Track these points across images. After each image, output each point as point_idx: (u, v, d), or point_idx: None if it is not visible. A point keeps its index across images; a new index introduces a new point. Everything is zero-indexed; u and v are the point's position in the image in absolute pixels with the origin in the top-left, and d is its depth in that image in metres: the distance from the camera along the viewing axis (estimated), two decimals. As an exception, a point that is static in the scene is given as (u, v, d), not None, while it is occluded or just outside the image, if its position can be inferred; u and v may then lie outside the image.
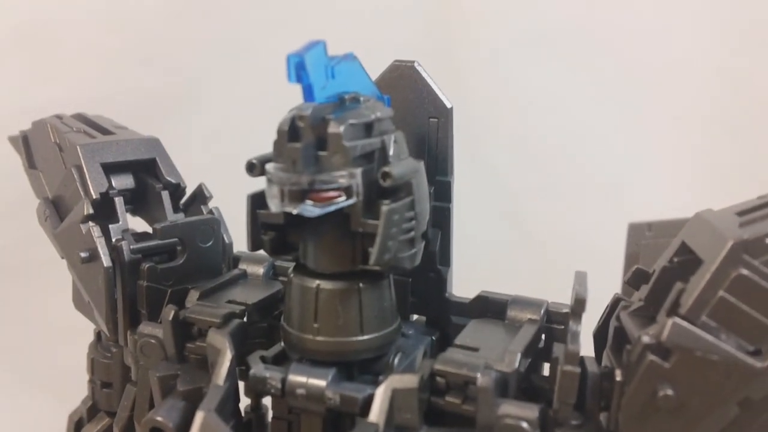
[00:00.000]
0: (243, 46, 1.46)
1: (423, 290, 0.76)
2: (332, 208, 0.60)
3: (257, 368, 0.65)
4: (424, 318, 0.78)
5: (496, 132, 1.47)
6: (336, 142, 0.59)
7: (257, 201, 0.64)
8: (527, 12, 1.46)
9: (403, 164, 0.62)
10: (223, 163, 1.39)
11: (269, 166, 0.61)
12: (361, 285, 0.64)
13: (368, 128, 0.62)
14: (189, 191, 0.83)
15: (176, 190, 0.81)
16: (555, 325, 0.72)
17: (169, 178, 0.80)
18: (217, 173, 1.28)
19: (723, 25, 1.40)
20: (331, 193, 0.60)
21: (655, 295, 0.65)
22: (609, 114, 1.47)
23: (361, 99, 0.64)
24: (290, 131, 0.60)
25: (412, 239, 0.63)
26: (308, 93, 0.60)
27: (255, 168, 0.62)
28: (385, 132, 0.63)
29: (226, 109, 1.46)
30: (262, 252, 0.76)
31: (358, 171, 0.60)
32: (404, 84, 0.73)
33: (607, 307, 0.71)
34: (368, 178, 0.61)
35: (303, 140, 0.59)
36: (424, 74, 0.73)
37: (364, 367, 0.66)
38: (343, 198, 0.60)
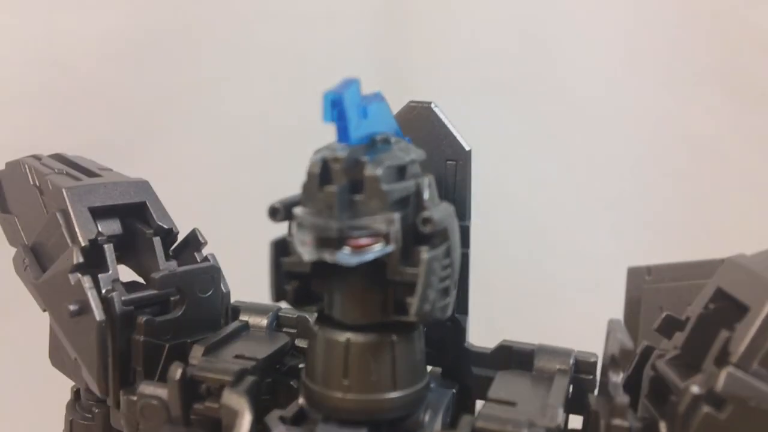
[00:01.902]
0: (194, 81, 1.41)
1: (439, 340, 0.72)
2: (371, 256, 0.56)
3: (279, 430, 0.60)
4: (439, 369, 0.74)
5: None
6: (374, 186, 0.55)
7: (280, 248, 0.59)
8: (469, 62, 1.45)
9: (440, 209, 0.59)
10: (186, 206, 1.35)
11: (298, 211, 0.57)
12: (394, 337, 0.60)
13: (402, 171, 0.58)
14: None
15: (168, 235, 0.76)
16: (583, 375, 0.69)
17: (160, 223, 0.75)
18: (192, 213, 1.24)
19: (661, 72, 1.42)
20: (369, 240, 0.56)
21: (694, 342, 0.63)
22: (549, 160, 1.47)
23: (392, 140, 0.61)
24: (322, 174, 0.56)
25: (447, 288, 0.60)
26: (343, 133, 0.56)
27: (278, 213, 0.57)
28: (417, 175, 0.60)
29: (181, 153, 1.40)
30: (263, 302, 0.72)
31: (397, 216, 0.56)
32: (420, 125, 0.70)
33: (636, 356, 0.69)
34: (404, 224, 0.57)
35: (337, 183, 0.55)
36: (441, 115, 0.70)
37: (393, 426, 0.62)
38: (381, 245, 0.56)
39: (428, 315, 0.57)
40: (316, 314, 0.63)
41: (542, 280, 1.46)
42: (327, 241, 0.55)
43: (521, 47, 1.44)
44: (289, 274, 0.59)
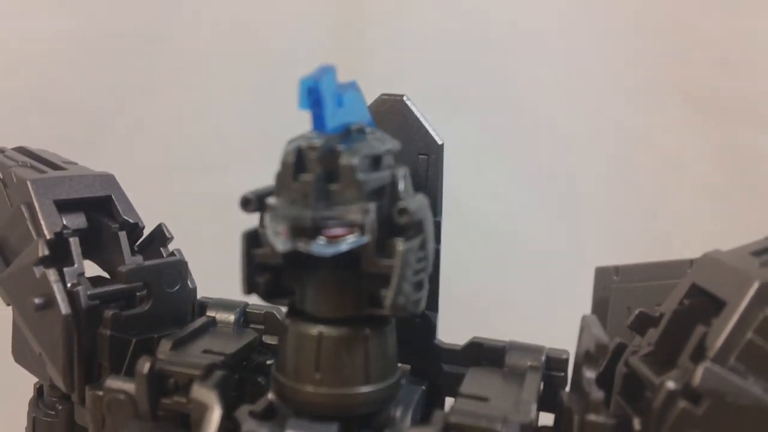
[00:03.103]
0: (154, 88, 1.40)
1: (409, 337, 0.71)
2: (346, 246, 0.55)
3: (249, 425, 0.59)
4: (408, 366, 0.73)
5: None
6: (349, 175, 0.55)
7: (252, 240, 0.58)
8: (440, 70, 1.45)
9: (415, 200, 0.58)
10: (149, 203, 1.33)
11: (272, 201, 0.56)
12: (367, 331, 0.59)
13: (377, 161, 0.58)
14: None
15: (133, 230, 0.74)
16: (554, 372, 0.68)
17: (126, 217, 0.74)
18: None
19: (621, 83, 1.43)
20: (344, 230, 0.55)
21: (669, 338, 0.63)
22: (521, 170, 1.48)
23: (367, 130, 0.60)
24: (297, 163, 0.55)
25: (421, 281, 0.59)
26: (319, 121, 0.55)
27: (251, 203, 0.56)
28: (392, 165, 0.59)
29: (143, 158, 1.38)
30: (230, 298, 0.71)
31: (372, 206, 0.55)
32: (393, 118, 0.70)
33: (609, 353, 0.68)
34: (379, 215, 0.56)
35: (312, 172, 0.55)
36: (413, 108, 0.70)
37: (364, 421, 0.61)
38: (357, 235, 0.55)
39: (403, 308, 0.56)
40: (287, 307, 0.62)
41: (506, 298, 1.47)
42: (301, 231, 0.54)
43: (479, 57, 1.44)
44: (261, 266, 0.58)
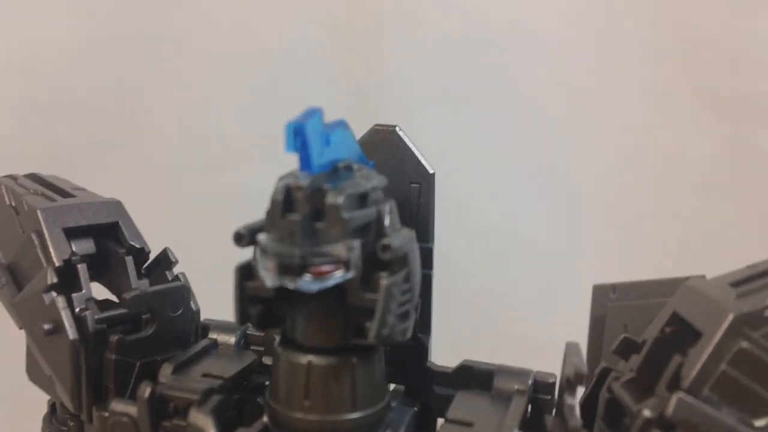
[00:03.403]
0: (155, 89, 1.42)
1: (402, 359, 0.74)
2: (331, 282, 0.57)
3: (243, 449, 0.62)
4: (402, 387, 0.75)
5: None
6: (335, 214, 0.57)
7: (245, 273, 0.61)
8: (441, 70, 1.47)
9: (400, 235, 0.60)
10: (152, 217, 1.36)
11: (262, 238, 0.58)
12: (354, 360, 0.61)
13: (363, 198, 0.60)
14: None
15: (140, 254, 0.77)
16: (541, 395, 0.70)
17: (132, 243, 0.77)
18: (157, 227, 1.25)
19: (629, 83, 1.43)
20: (329, 267, 0.57)
21: (648, 366, 0.65)
22: (522, 170, 1.49)
23: (354, 167, 0.62)
24: (285, 202, 0.58)
25: (407, 312, 0.61)
26: (306, 162, 0.57)
27: (243, 238, 0.59)
28: (379, 201, 0.61)
29: (144, 158, 1.41)
30: (232, 320, 0.73)
31: (357, 243, 0.57)
32: (385, 148, 0.72)
33: (594, 377, 0.70)
34: (364, 251, 0.58)
35: (299, 211, 0.57)
36: (405, 139, 0.72)
37: (354, 445, 0.64)
38: (342, 272, 0.58)
39: (387, 339, 0.59)
40: (279, 336, 0.65)
41: (508, 299, 1.48)
42: (289, 268, 0.57)
43: (480, 56, 1.45)
44: (253, 298, 0.61)
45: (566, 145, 1.46)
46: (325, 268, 0.57)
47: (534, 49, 1.44)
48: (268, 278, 0.58)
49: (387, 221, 0.60)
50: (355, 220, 0.58)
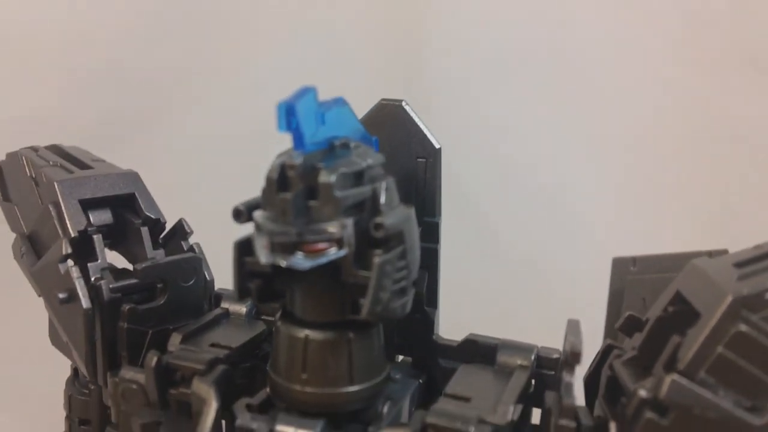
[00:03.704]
0: (211, 63, 1.43)
1: (409, 332, 0.74)
2: (324, 260, 0.58)
3: (243, 418, 0.63)
4: (409, 359, 0.76)
5: (465, 160, 1.46)
6: (327, 193, 0.57)
7: (244, 248, 0.62)
8: (490, 38, 1.45)
9: (395, 213, 0.60)
10: (195, 185, 1.38)
11: (257, 215, 0.59)
12: (351, 335, 0.62)
13: (359, 176, 0.60)
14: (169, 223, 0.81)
15: (156, 225, 0.79)
16: (545, 370, 0.70)
17: (148, 214, 0.78)
18: (188, 197, 1.26)
19: (688, 45, 1.40)
20: (322, 245, 0.58)
21: (650, 345, 0.64)
22: (576, 139, 1.47)
23: (352, 145, 0.62)
24: (279, 180, 0.58)
25: (404, 288, 0.62)
26: (298, 141, 0.58)
27: (242, 215, 0.60)
28: (376, 179, 0.61)
29: (196, 130, 1.43)
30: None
31: (350, 221, 0.58)
32: (392, 123, 0.72)
33: (598, 354, 0.70)
34: (359, 228, 0.59)
35: (293, 190, 0.57)
36: (412, 113, 0.72)
37: (352, 417, 0.65)
38: (335, 249, 0.58)
39: (380, 315, 0.59)
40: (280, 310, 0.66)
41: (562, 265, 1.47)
42: (282, 246, 0.58)
43: (545, 25, 1.43)
44: (252, 274, 0.62)
45: (616, 114, 1.43)
46: (317, 245, 0.58)
47: (585, 14, 1.41)
48: (263, 255, 0.59)
49: (383, 199, 0.61)
50: (349, 199, 0.58)
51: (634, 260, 0.83)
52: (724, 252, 0.79)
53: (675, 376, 0.57)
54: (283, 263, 0.58)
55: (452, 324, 0.79)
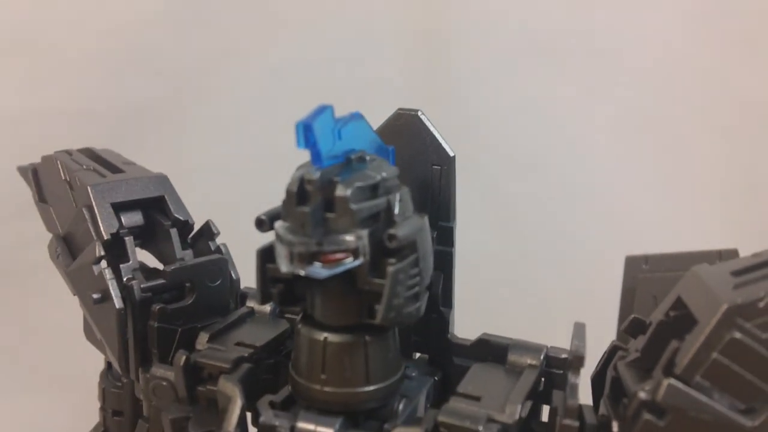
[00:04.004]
0: (242, 55, 1.46)
1: (426, 331, 0.78)
2: (340, 269, 0.62)
3: (267, 415, 0.67)
4: (426, 356, 0.80)
5: (488, 142, 1.48)
6: (343, 206, 0.61)
7: (266, 255, 0.66)
8: (517, 19, 1.46)
9: (407, 224, 0.64)
10: (225, 173, 1.42)
11: (278, 225, 0.63)
12: (367, 338, 0.66)
13: (374, 189, 0.64)
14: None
15: (184, 226, 0.83)
16: (555, 369, 0.74)
17: (177, 215, 0.82)
18: (218, 184, 1.29)
19: (715, 27, 1.40)
20: (339, 255, 0.62)
21: (651, 348, 0.67)
22: (606, 124, 1.48)
23: (367, 158, 0.66)
24: (299, 194, 0.62)
25: (417, 294, 0.65)
26: (316, 157, 0.61)
27: (264, 224, 0.64)
28: (391, 190, 0.65)
29: (228, 120, 1.46)
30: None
31: (365, 233, 0.61)
32: (408, 132, 0.75)
33: (604, 354, 0.73)
34: (374, 238, 0.62)
35: (311, 203, 0.61)
36: (427, 123, 0.75)
37: (369, 414, 0.69)
38: (351, 259, 0.62)
39: (394, 320, 0.63)
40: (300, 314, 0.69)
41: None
42: (301, 256, 0.61)
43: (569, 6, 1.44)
44: (274, 279, 0.66)
45: (651, 96, 1.44)
46: (334, 256, 0.62)
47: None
48: (283, 264, 0.62)
49: (396, 209, 0.64)
50: (364, 211, 0.62)
51: (646, 258, 0.85)
52: (734, 252, 0.82)
53: (671, 380, 0.60)
54: (301, 272, 0.62)
55: (486, 323, 0.81)
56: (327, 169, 0.62)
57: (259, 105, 1.45)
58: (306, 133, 0.60)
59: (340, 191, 0.61)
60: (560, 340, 0.77)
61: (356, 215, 0.61)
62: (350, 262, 0.62)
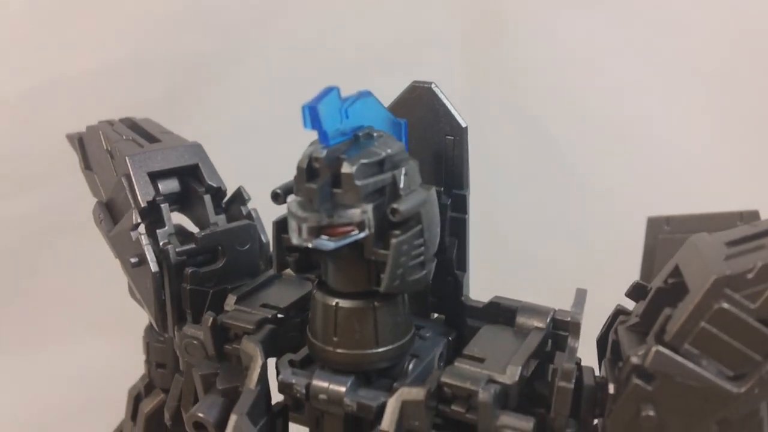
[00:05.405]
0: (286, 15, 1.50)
1: (441, 293, 0.82)
2: (346, 241, 0.66)
3: (285, 374, 0.73)
4: (442, 317, 0.84)
5: (539, 91, 1.49)
6: (348, 182, 0.65)
7: (281, 226, 0.70)
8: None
9: (411, 197, 0.67)
10: (267, 129, 1.46)
11: (290, 200, 0.67)
12: (376, 304, 0.70)
13: (380, 164, 0.67)
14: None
15: (217, 192, 0.87)
16: (561, 332, 0.77)
17: (210, 182, 0.87)
18: (257, 140, 1.33)
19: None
20: (345, 228, 0.66)
21: (649, 314, 0.70)
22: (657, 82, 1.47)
23: (375, 135, 0.69)
24: (308, 170, 0.66)
25: (422, 263, 0.69)
26: (323, 137, 0.65)
27: (279, 197, 0.68)
28: (397, 165, 0.68)
29: (269, 78, 1.50)
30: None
31: (370, 207, 0.65)
32: (422, 104, 0.78)
33: (609, 318, 0.76)
34: (380, 212, 0.66)
35: (319, 180, 0.65)
36: (440, 95, 0.77)
37: (381, 372, 0.73)
38: (356, 232, 0.66)
39: (398, 288, 0.67)
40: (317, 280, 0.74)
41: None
42: (309, 229, 0.65)
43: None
44: (289, 248, 0.70)
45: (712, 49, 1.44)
46: (340, 229, 0.66)
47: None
48: (294, 237, 0.67)
49: (402, 183, 0.67)
50: (369, 186, 0.65)
51: (667, 219, 0.87)
52: (755, 214, 0.83)
53: (659, 347, 0.63)
54: (310, 245, 0.66)
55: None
56: (335, 147, 0.66)
57: (302, 68, 1.49)
58: (312, 114, 0.64)
59: (346, 168, 0.65)
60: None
61: (361, 190, 0.65)
62: (356, 235, 0.66)
